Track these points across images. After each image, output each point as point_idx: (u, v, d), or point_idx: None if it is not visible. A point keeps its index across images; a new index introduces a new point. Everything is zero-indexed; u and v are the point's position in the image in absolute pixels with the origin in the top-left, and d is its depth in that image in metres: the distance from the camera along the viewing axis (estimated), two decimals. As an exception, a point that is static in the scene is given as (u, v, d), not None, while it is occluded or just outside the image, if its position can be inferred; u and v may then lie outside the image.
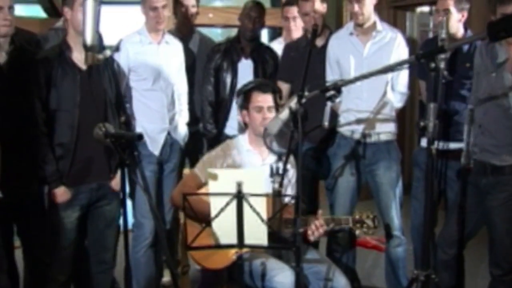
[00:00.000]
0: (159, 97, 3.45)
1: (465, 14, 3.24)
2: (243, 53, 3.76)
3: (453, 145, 3.26)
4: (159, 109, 3.46)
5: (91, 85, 2.89)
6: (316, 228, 2.71)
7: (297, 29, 4.03)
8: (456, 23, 3.21)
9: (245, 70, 3.73)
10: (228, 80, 3.71)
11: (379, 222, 2.83)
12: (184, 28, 3.93)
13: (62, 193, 2.86)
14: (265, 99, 2.92)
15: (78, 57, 2.86)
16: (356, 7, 3.22)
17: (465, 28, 3.29)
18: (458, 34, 3.24)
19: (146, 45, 3.45)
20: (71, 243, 2.95)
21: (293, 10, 3.97)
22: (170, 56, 3.52)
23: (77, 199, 2.92)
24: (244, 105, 2.98)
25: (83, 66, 2.87)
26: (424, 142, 3.32)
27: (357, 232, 2.79)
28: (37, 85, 2.80)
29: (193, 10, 3.90)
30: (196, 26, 4.21)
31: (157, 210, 3.31)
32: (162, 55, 3.46)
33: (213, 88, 3.74)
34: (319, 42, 3.55)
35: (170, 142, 3.52)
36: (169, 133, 3.51)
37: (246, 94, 2.97)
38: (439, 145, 3.17)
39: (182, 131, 3.62)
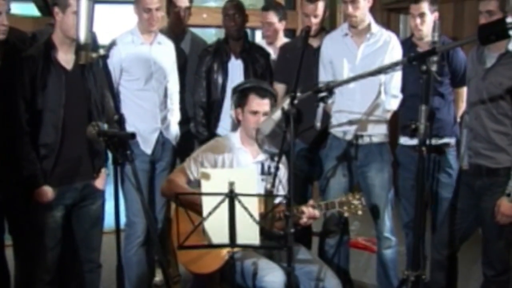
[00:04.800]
0: (151, 97, 3.47)
1: (437, 15, 3.35)
2: (233, 53, 3.77)
3: (434, 141, 3.34)
4: (151, 109, 3.47)
5: (76, 85, 2.87)
6: (309, 213, 2.77)
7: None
8: (430, 23, 3.31)
9: (236, 70, 3.75)
10: (219, 81, 3.73)
11: (366, 202, 2.88)
12: (177, 28, 3.93)
13: (45, 193, 2.83)
14: (262, 104, 2.92)
15: (63, 58, 2.84)
16: (350, 9, 3.23)
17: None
18: (430, 37, 3.28)
19: (139, 45, 3.45)
20: (57, 243, 2.93)
21: (270, 16, 4.19)
22: (162, 56, 3.52)
23: (61, 198, 2.89)
24: (239, 104, 2.99)
25: (68, 67, 2.85)
26: (402, 140, 3.51)
27: (346, 214, 2.83)
28: (21, 84, 2.75)
29: (186, 11, 3.90)
30: (190, 27, 4.21)
31: (149, 209, 3.32)
32: (154, 56, 3.47)
33: (205, 90, 3.75)
34: (314, 43, 3.57)
35: (162, 141, 3.54)
36: (161, 132, 3.53)
37: (243, 93, 2.98)
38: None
39: (174, 130, 3.63)
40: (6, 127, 2.79)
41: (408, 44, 3.48)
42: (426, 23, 3.34)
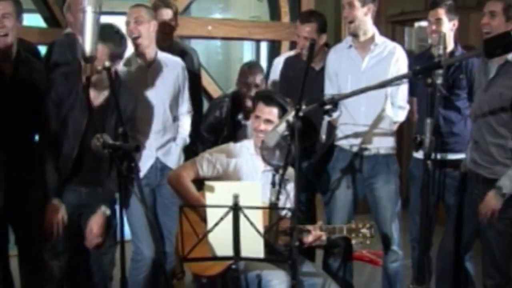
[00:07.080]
0: (146, 126, 3.27)
1: (456, 23, 3.31)
2: (245, 117, 3.53)
3: (451, 156, 3.32)
4: (146, 136, 3.28)
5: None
6: (315, 234, 2.75)
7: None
8: (448, 32, 3.25)
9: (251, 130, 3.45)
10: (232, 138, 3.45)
11: (375, 231, 2.83)
12: (164, 42, 3.64)
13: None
14: (264, 111, 2.92)
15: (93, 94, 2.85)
16: (346, 12, 3.26)
17: (455, 42, 3.34)
18: (449, 46, 3.25)
19: (133, 73, 3.27)
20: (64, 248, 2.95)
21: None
22: (162, 80, 3.30)
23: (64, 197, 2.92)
24: (253, 110, 3.03)
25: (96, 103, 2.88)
26: (419, 154, 3.32)
27: (353, 241, 2.80)
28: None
29: (171, 23, 3.74)
30: (195, 38, 4.16)
31: (154, 223, 3.22)
32: (152, 81, 3.27)
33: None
34: (317, 65, 3.56)
35: (160, 167, 3.33)
36: (157, 158, 3.32)
37: (255, 101, 3.02)
38: (437, 156, 3.24)
39: (175, 156, 3.40)
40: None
41: (425, 57, 3.40)
42: (443, 30, 3.19)
